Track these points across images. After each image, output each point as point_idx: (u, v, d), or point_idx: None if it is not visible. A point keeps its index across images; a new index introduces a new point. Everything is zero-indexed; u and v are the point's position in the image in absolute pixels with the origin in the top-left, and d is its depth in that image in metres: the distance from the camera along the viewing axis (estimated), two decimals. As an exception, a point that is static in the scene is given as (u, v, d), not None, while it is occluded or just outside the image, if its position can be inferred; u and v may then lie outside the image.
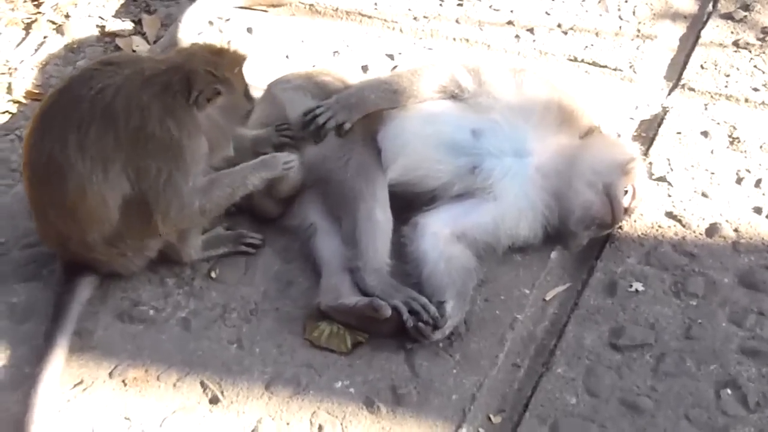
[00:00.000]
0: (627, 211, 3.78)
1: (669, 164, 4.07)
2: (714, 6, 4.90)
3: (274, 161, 3.63)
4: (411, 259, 3.69)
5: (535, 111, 3.82)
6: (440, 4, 4.88)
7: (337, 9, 4.87)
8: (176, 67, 3.43)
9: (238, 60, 3.55)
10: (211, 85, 3.43)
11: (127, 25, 5.10)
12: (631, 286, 3.65)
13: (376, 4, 4.88)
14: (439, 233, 3.68)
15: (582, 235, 3.74)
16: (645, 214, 3.88)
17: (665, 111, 4.34)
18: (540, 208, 3.77)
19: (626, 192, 3.74)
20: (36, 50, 4.94)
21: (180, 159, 3.40)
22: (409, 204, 3.78)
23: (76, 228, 3.43)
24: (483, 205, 3.74)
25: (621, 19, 4.80)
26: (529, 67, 3.98)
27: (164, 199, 3.42)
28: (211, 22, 4.76)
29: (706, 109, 4.36)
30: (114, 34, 5.04)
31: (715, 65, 4.56)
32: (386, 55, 4.59)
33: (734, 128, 4.23)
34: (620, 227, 3.83)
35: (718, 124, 4.26)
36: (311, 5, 4.91)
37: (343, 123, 3.75)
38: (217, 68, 3.45)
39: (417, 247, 3.68)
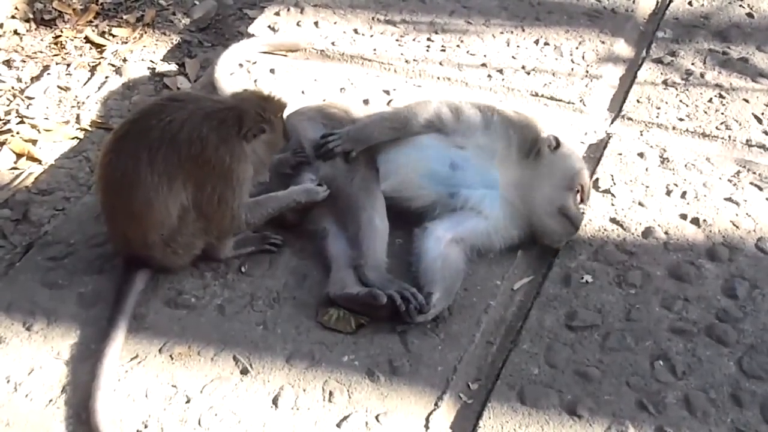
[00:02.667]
0: (584, 200, 3.80)
1: (612, 180, 4.06)
2: (647, 52, 4.90)
3: (316, 190, 3.68)
4: (414, 253, 3.67)
5: (497, 149, 3.78)
6: (427, 50, 4.87)
7: (343, 54, 4.86)
8: (232, 107, 3.48)
9: (281, 106, 3.61)
10: (258, 124, 3.47)
11: (173, 67, 5.10)
12: (582, 278, 3.64)
13: (374, 50, 4.87)
14: (442, 237, 3.66)
15: (559, 244, 3.76)
16: (593, 220, 3.87)
17: (609, 137, 4.33)
18: (519, 224, 3.77)
19: (577, 191, 3.74)
20: (99, 88, 4.93)
21: (230, 180, 3.44)
22: (402, 214, 3.77)
23: (140, 230, 3.43)
24: (478, 219, 3.73)
25: (573, 62, 4.79)
26: (497, 105, 3.95)
27: (219, 212, 3.46)
28: (241, 65, 4.74)
29: (641, 135, 4.36)
30: (162, 75, 5.03)
31: (649, 100, 4.55)
32: (383, 91, 4.57)
33: (664, 150, 4.22)
34: (573, 230, 3.83)
35: (652, 147, 4.25)
36: (322, 51, 4.89)
37: (350, 151, 3.76)
38: (265, 111, 3.51)
39: (421, 245, 3.67)
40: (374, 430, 3.13)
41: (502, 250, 3.75)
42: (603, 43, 4.92)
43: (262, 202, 3.60)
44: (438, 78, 4.70)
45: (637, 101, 4.55)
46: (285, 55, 4.88)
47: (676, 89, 4.62)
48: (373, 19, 5.10)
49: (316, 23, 5.07)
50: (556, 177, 3.76)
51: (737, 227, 3.85)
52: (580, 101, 4.53)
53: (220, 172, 3.42)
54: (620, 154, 4.20)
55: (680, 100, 4.54)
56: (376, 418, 3.16)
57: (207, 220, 3.48)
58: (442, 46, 4.91)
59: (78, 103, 4.82)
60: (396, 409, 3.19)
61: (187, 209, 3.44)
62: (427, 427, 3.14)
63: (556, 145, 3.81)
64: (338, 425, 3.14)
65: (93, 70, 5.05)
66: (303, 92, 4.55)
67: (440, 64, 4.79)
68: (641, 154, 4.20)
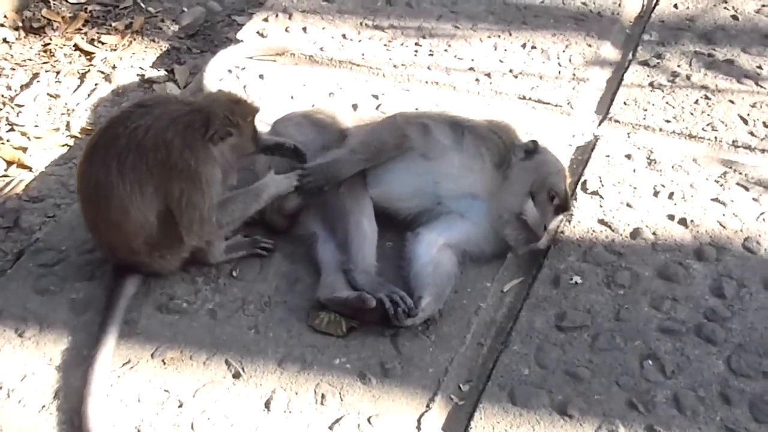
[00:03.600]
0: (564, 207, 3.78)
1: (600, 181, 4.08)
2: (633, 55, 4.92)
3: (280, 180, 3.63)
4: (406, 257, 3.68)
5: (473, 166, 3.76)
6: (415, 54, 4.88)
7: (332, 59, 4.87)
8: (199, 110, 3.44)
9: (251, 111, 3.56)
10: (224, 128, 3.44)
11: (162, 73, 5.10)
12: (571, 279, 3.65)
13: (363, 54, 4.88)
14: (435, 242, 3.67)
15: (522, 250, 3.75)
16: (582, 221, 3.88)
17: (596, 139, 4.35)
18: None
19: (552, 198, 3.70)
20: (89, 95, 4.93)
21: (197, 183, 3.41)
22: (391, 218, 3.79)
23: (122, 237, 3.43)
24: (467, 225, 3.74)
25: (560, 65, 4.81)
26: (467, 121, 3.88)
27: (186, 216, 3.43)
28: (230, 71, 4.75)
29: (628, 137, 4.38)
30: (151, 81, 5.03)
31: (635, 102, 4.57)
32: (372, 95, 4.59)
33: (651, 152, 4.24)
34: (562, 232, 3.84)
35: (639, 148, 4.27)
36: (311, 56, 4.90)
37: (322, 186, 3.72)
38: (233, 114, 3.46)
39: (413, 249, 3.68)
40: (366, 432, 3.15)
41: (490, 256, 3.76)
42: (590, 46, 4.95)
43: (231, 199, 3.54)
44: (426, 82, 4.72)
45: (624, 103, 4.57)
46: (274, 61, 4.89)
47: (663, 91, 4.64)
48: (361, 24, 5.12)
49: (304, 29, 5.08)
50: (520, 184, 3.74)
51: (724, 227, 3.87)
52: (568, 104, 4.55)
53: (187, 176, 3.39)
54: (608, 156, 4.22)
55: (667, 102, 4.56)
56: (368, 420, 3.17)
57: (178, 224, 3.46)
58: (430, 50, 4.92)
59: (68, 110, 4.82)
60: (388, 411, 3.20)
61: (165, 214, 3.43)
62: (419, 428, 3.15)
63: (534, 150, 3.80)
64: (330, 428, 3.15)
65: (82, 77, 5.05)
66: (292, 97, 4.56)
67: (428, 68, 4.80)
68: (629, 156, 4.22)
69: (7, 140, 4.59)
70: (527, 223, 3.68)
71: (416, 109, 4.45)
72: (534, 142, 3.82)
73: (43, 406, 3.21)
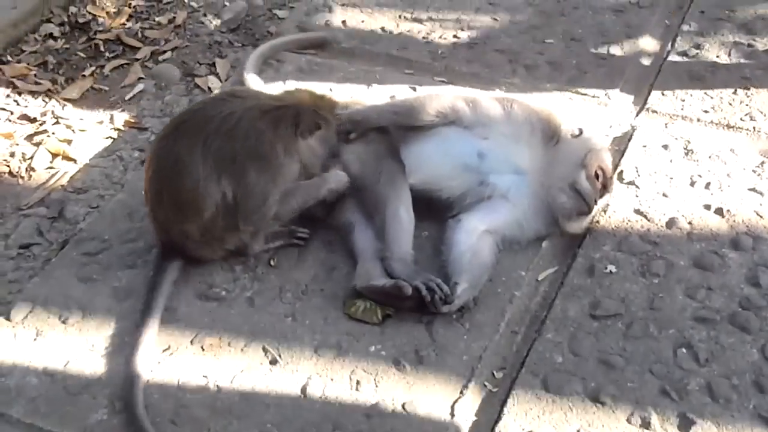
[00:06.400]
0: (606, 187, 3.81)
1: (637, 171, 4.08)
2: (672, 46, 4.90)
3: (339, 177, 3.73)
4: (446, 243, 3.72)
5: (522, 135, 3.82)
6: (453, 47, 4.91)
7: (370, 52, 4.91)
8: (288, 106, 3.59)
9: (333, 105, 3.74)
10: (314, 122, 3.57)
11: (204, 67, 5.16)
12: (606, 268, 3.66)
13: (401, 47, 4.91)
14: (475, 229, 3.71)
15: (573, 227, 3.78)
16: (617, 211, 3.89)
17: (633, 129, 4.35)
18: (544, 214, 3.80)
19: (597, 176, 3.75)
20: (132, 89, 5.00)
21: (277, 175, 3.54)
22: (429, 206, 3.81)
23: (181, 217, 3.52)
24: (508, 207, 3.77)
25: (598, 56, 4.80)
26: (515, 97, 3.99)
27: (252, 202, 3.53)
28: (270, 64, 4.81)
29: (666, 127, 4.37)
30: (194, 75, 5.10)
31: (673, 92, 4.56)
32: (410, 87, 4.61)
33: (689, 142, 4.24)
34: (597, 222, 3.84)
35: (676, 139, 4.26)
36: (350, 50, 4.95)
37: (348, 132, 3.83)
38: (320, 109, 3.63)
39: (454, 235, 3.72)
40: (401, 418, 3.18)
41: (529, 241, 3.78)
42: (628, 37, 4.94)
43: (291, 193, 3.63)
44: (465, 74, 4.73)
45: (662, 94, 4.56)
46: (314, 54, 4.94)
47: (701, 82, 4.62)
48: (399, 17, 5.15)
49: (343, 22, 5.12)
50: (572, 156, 3.80)
51: (761, 217, 3.85)
52: (605, 95, 4.55)
53: (268, 166, 3.51)
54: (645, 146, 4.22)
55: (704, 93, 4.54)
56: (403, 406, 3.21)
57: (238, 209, 3.53)
58: (469, 42, 4.94)
59: (112, 103, 4.91)
60: (422, 397, 3.24)
61: (227, 203, 3.50)
62: (452, 414, 3.19)
63: (579, 134, 3.87)
64: (365, 413, 3.19)
65: (126, 71, 5.13)
66: (331, 90, 4.59)
67: (467, 60, 4.82)
68: (665, 146, 4.21)
69: (53, 133, 4.67)
70: (580, 194, 3.72)
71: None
72: (579, 128, 3.91)
73: (86, 391, 3.28)
